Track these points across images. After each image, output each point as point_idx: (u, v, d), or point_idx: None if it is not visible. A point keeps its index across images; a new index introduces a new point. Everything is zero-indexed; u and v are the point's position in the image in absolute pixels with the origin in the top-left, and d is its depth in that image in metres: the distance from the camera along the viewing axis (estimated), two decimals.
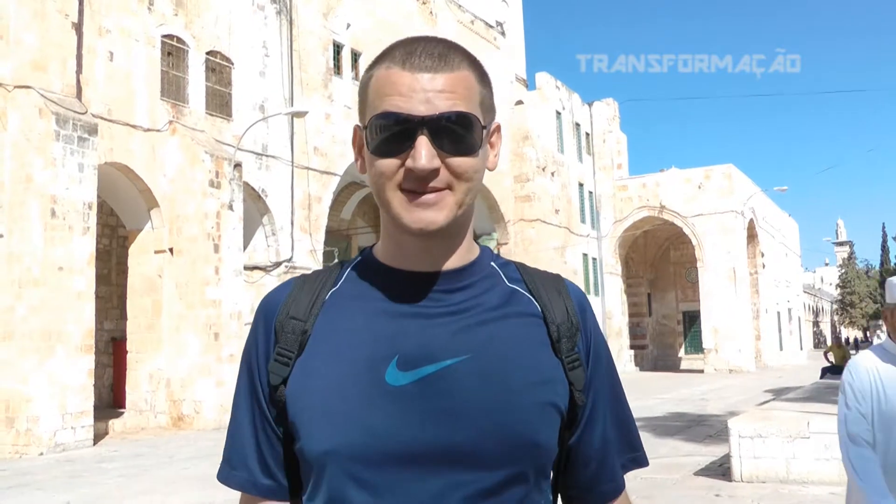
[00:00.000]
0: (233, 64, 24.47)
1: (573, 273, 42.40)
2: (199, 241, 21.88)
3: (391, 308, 1.43)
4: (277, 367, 1.44)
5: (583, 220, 45.48)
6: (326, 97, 27.92)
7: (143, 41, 21.76)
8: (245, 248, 24.85)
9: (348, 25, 28.98)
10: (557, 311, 1.48)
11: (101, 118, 20.05)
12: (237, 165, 22.89)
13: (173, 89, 22.59)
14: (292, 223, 26.11)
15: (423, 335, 1.39)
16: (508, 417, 1.36)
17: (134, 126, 21.21)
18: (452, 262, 1.46)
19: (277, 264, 25.60)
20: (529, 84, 41.77)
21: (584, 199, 45.95)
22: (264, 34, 25.70)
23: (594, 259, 46.28)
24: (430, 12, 33.22)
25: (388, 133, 1.35)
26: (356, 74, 29.18)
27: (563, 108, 43.83)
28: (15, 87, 18.17)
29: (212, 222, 21.94)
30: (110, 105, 20.58)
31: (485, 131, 1.41)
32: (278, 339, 1.46)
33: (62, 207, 18.05)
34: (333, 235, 30.15)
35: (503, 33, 39.54)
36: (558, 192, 42.09)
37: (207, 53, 23.68)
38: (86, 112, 19.29)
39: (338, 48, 28.69)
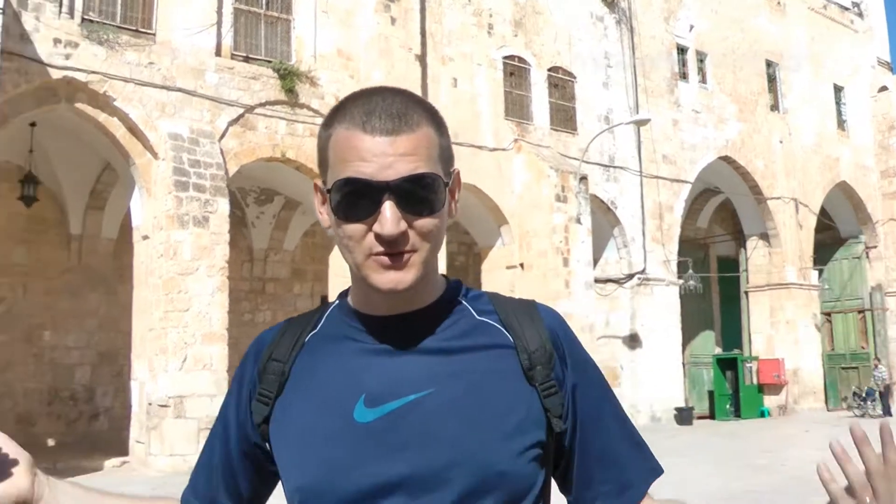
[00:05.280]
0: (575, 78, 23.44)
1: None
2: (548, 256, 20.96)
3: (359, 349, 1.44)
4: (259, 406, 1.48)
5: None
6: (672, 103, 26.09)
7: (486, 64, 21.35)
8: (597, 260, 23.64)
9: (691, 27, 26.89)
10: (530, 339, 1.44)
11: None
12: (583, 178, 21.86)
13: (517, 108, 21.93)
14: (643, 234, 24.57)
15: (388, 373, 1.40)
16: (470, 447, 1.34)
17: (479, 147, 20.77)
18: (416, 303, 1.44)
19: (630, 276, 24.23)
20: (894, 67, 37.04)
21: None
22: (605, 45, 24.41)
23: None
24: (778, 3, 30.06)
25: (353, 199, 1.34)
26: (702, 77, 27.01)
27: None
28: None
29: (560, 236, 21.00)
30: (456, 129, 20.32)
31: (447, 186, 1.40)
32: (261, 379, 1.50)
33: None
34: (689, 245, 28.20)
35: (860, 15, 35.03)
36: None
37: (549, 70, 22.81)
38: None
39: (682, 51, 26.63)
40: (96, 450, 17.34)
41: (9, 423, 18.88)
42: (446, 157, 1.41)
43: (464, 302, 1.49)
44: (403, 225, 1.33)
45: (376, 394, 1.38)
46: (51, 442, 19.06)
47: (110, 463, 15.79)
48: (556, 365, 1.43)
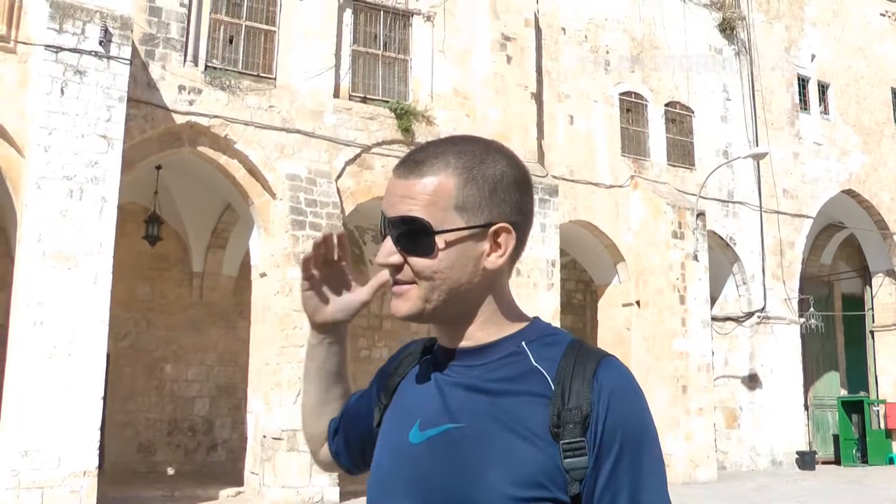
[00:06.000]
0: (693, 112, 22.87)
1: None
2: (664, 293, 20.44)
3: (430, 375, 1.57)
4: (377, 412, 1.67)
5: None
6: (793, 135, 25.18)
7: (602, 101, 21.01)
8: (716, 298, 22.90)
9: (813, 56, 25.94)
10: (573, 395, 1.43)
11: (563, 179, 19.59)
12: (700, 215, 21.30)
13: (633, 144, 21.50)
14: (763, 271, 23.72)
15: (438, 402, 1.51)
16: (471, 484, 1.41)
17: (596, 184, 20.44)
18: (475, 340, 1.53)
19: (749, 314, 23.39)
20: None
21: None
22: (723, 77, 23.70)
23: None
24: None
25: (381, 229, 1.53)
26: (824, 108, 25.94)
27: None
28: None
29: (676, 273, 20.47)
30: (571, 166, 20.12)
31: (452, 233, 1.46)
32: (384, 387, 1.68)
33: (526, 266, 17.73)
34: (813, 282, 27.08)
35: None
36: None
37: (666, 105, 22.29)
38: (546, 175, 18.86)
39: (803, 82, 25.68)
40: (213, 480, 17.69)
41: (131, 450, 19.43)
42: (469, 207, 1.47)
43: (525, 346, 1.52)
44: (395, 258, 1.49)
45: (427, 419, 1.51)
46: (170, 471, 19.48)
47: (225, 493, 16.03)
48: (589, 427, 1.43)
